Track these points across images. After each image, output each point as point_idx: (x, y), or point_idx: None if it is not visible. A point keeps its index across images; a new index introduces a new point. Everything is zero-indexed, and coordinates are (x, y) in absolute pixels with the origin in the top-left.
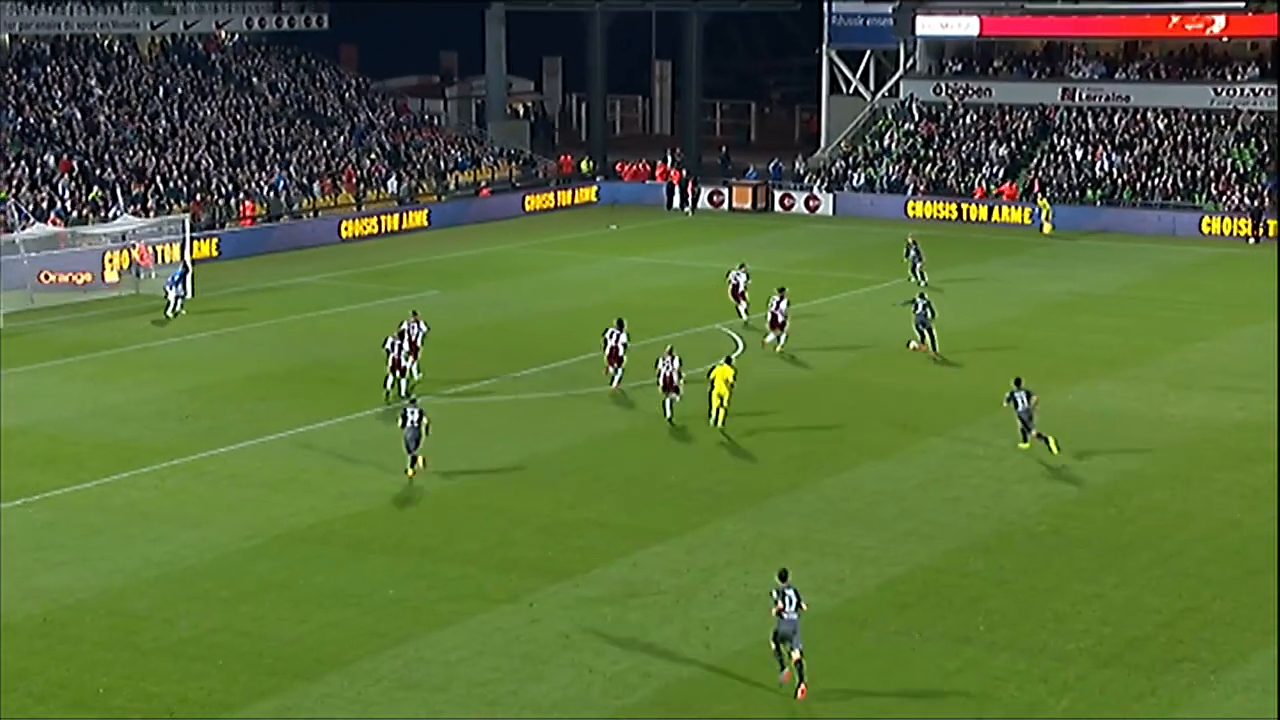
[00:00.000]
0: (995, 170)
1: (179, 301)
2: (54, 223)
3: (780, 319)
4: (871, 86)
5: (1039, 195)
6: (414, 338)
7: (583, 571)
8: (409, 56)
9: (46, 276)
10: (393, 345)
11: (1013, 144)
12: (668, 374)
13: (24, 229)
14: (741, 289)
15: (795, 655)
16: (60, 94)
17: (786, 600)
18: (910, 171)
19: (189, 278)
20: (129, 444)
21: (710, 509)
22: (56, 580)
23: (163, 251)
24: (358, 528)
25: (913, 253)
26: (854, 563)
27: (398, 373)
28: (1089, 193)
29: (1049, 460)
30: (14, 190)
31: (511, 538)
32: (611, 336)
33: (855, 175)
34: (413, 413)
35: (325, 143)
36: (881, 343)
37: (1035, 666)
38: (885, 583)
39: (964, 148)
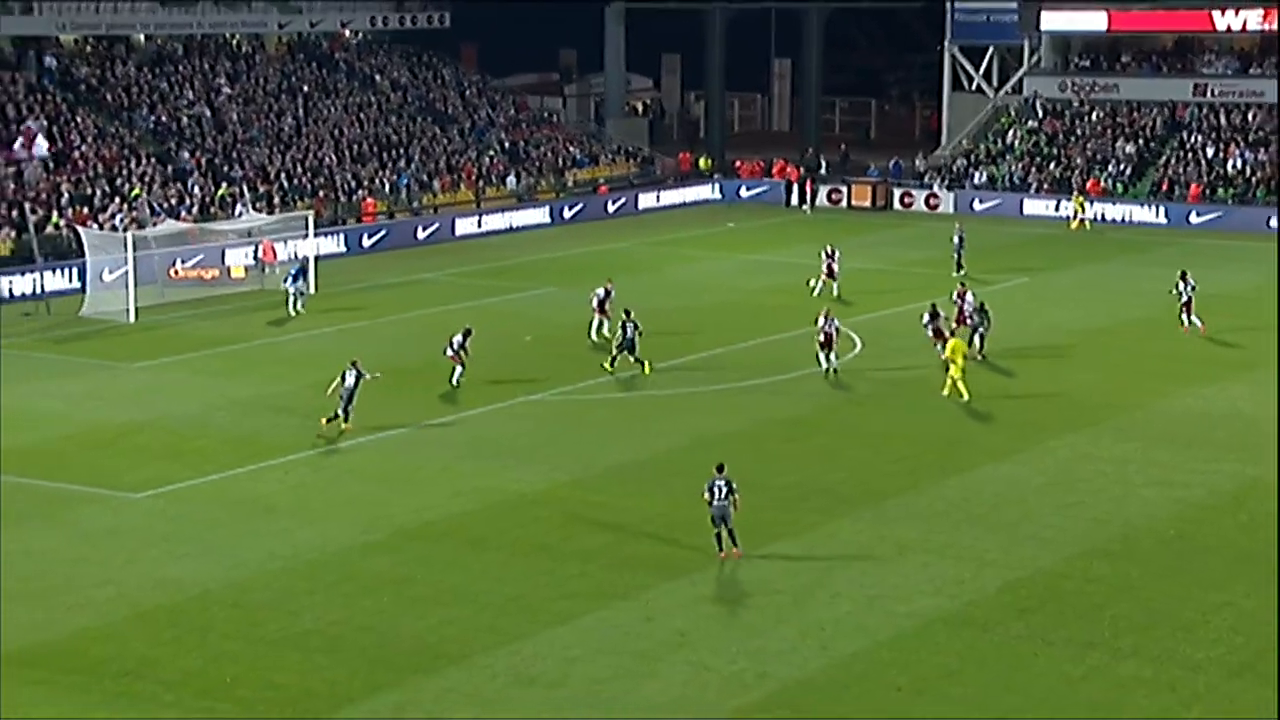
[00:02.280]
0: (1122, 168)
1: (300, 299)
2: (184, 219)
3: (966, 319)
4: (994, 83)
5: (1076, 191)
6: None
7: (699, 570)
8: (528, 54)
9: (176, 271)
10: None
11: (1140, 141)
12: (829, 331)
13: (156, 225)
14: (834, 269)
15: (728, 530)
16: (191, 93)
17: (717, 490)
18: (1033, 169)
19: (309, 274)
20: (253, 438)
21: (827, 510)
22: (184, 571)
23: (288, 248)
24: (473, 524)
25: (957, 239)
26: (975, 565)
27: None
28: (1220, 191)
29: (1175, 467)
30: (147, 187)
31: (627, 536)
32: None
33: (977, 173)
34: (350, 374)
35: (446, 140)
36: (1001, 342)
37: (1163, 675)
38: (1006, 586)
39: (1089, 145)
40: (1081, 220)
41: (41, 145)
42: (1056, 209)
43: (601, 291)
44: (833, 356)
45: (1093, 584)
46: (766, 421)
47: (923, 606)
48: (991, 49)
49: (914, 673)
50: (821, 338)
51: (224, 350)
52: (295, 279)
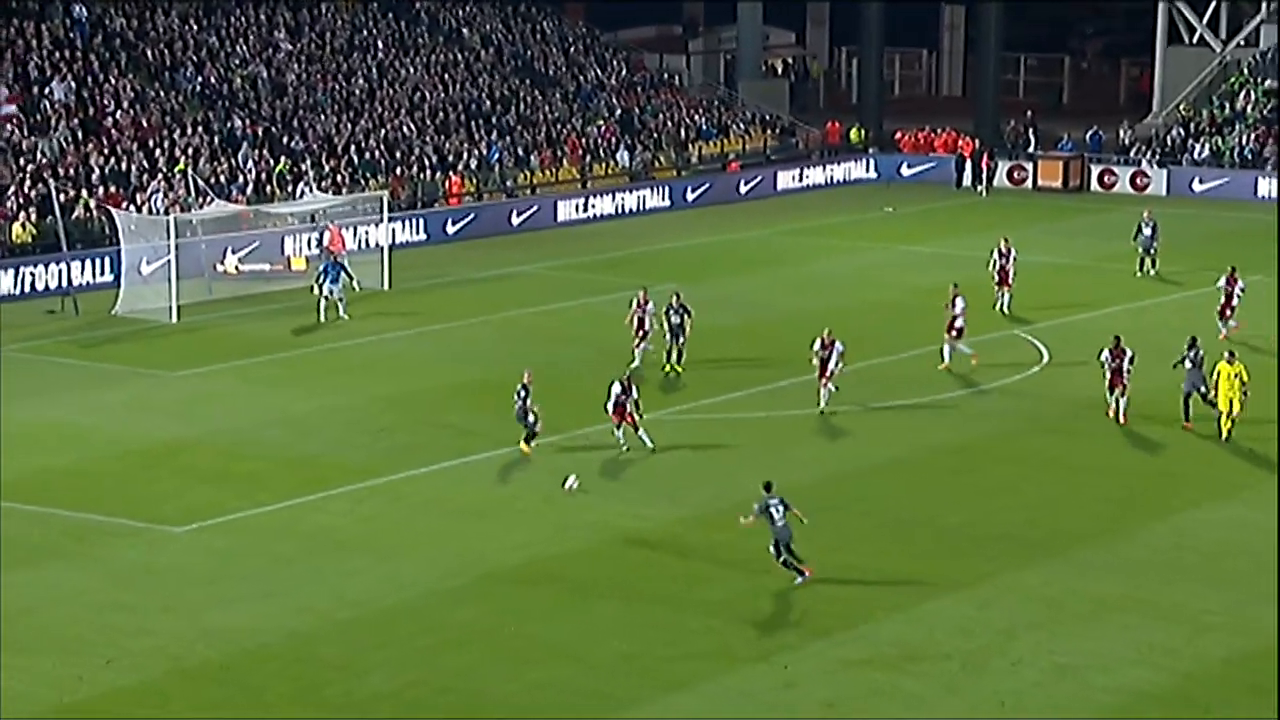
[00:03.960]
0: None
1: (339, 304)
2: (236, 200)
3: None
4: (1222, 34)
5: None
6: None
7: (848, 629)
8: (646, 3)
9: (225, 262)
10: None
11: None
12: (824, 359)
13: (202, 207)
14: (1009, 272)
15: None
16: (245, 49)
17: (774, 512)
18: (1271, 141)
19: (347, 271)
20: (315, 460)
21: (1005, 557)
22: (235, 619)
23: (359, 234)
24: (579, 568)
25: (1145, 232)
26: (1191, 629)
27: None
28: None
29: None
30: (192, 162)
31: (762, 586)
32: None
33: (1197, 146)
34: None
35: (546, 107)
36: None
37: None
38: (1233, 657)
39: None
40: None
41: (10, 109)
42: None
43: (638, 305)
44: (831, 388)
45: None
46: (930, 449)
47: (1127, 680)
48: None
49: None
50: (818, 363)
51: (281, 356)
52: (331, 278)
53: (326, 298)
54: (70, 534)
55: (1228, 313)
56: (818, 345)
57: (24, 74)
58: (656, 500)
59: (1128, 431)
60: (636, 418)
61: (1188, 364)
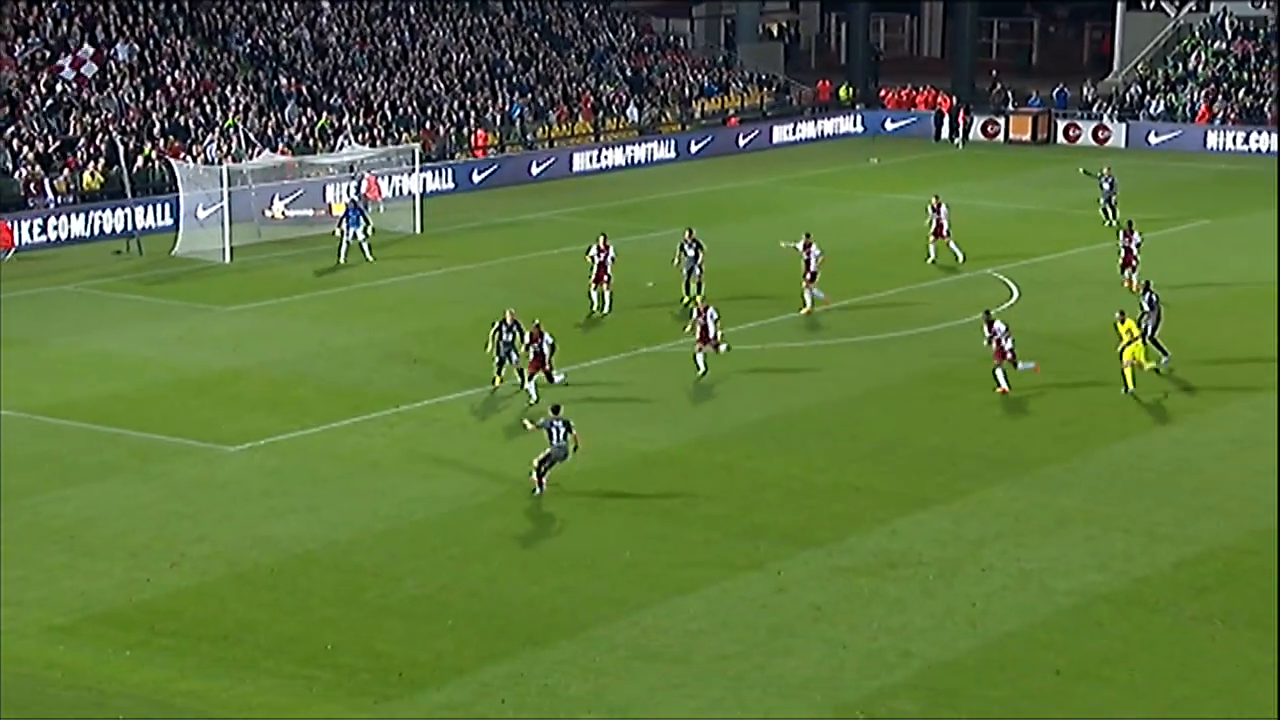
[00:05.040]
0: None
1: (363, 245)
2: (282, 152)
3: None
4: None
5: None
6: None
7: (836, 540)
8: None
9: (273, 207)
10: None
11: None
12: (703, 325)
13: (252, 158)
14: (944, 225)
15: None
16: (290, 14)
17: (554, 430)
18: (1220, 98)
19: (366, 216)
20: (355, 388)
21: (979, 475)
22: (284, 529)
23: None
24: (592, 484)
25: (1105, 187)
26: (1145, 539)
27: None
28: None
29: None
30: (242, 117)
31: (758, 501)
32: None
33: (1153, 103)
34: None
35: (563, 67)
36: (1176, 291)
37: None
38: (1181, 562)
39: None
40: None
41: (92, 67)
42: (1245, 142)
43: (595, 250)
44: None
45: None
46: (910, 377)
47: (1085, 583)
48: None
49: (1074, 656)
50: (698, 331)
51: (324, 294)
52: (351, 220)
53: (350, 241)
54: (135, 452)
55: (1129, 267)
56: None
57: (92, 37)
58: (661, 424)
59: (1090, 362)
60: (549, 367)
61: (1145, 306)
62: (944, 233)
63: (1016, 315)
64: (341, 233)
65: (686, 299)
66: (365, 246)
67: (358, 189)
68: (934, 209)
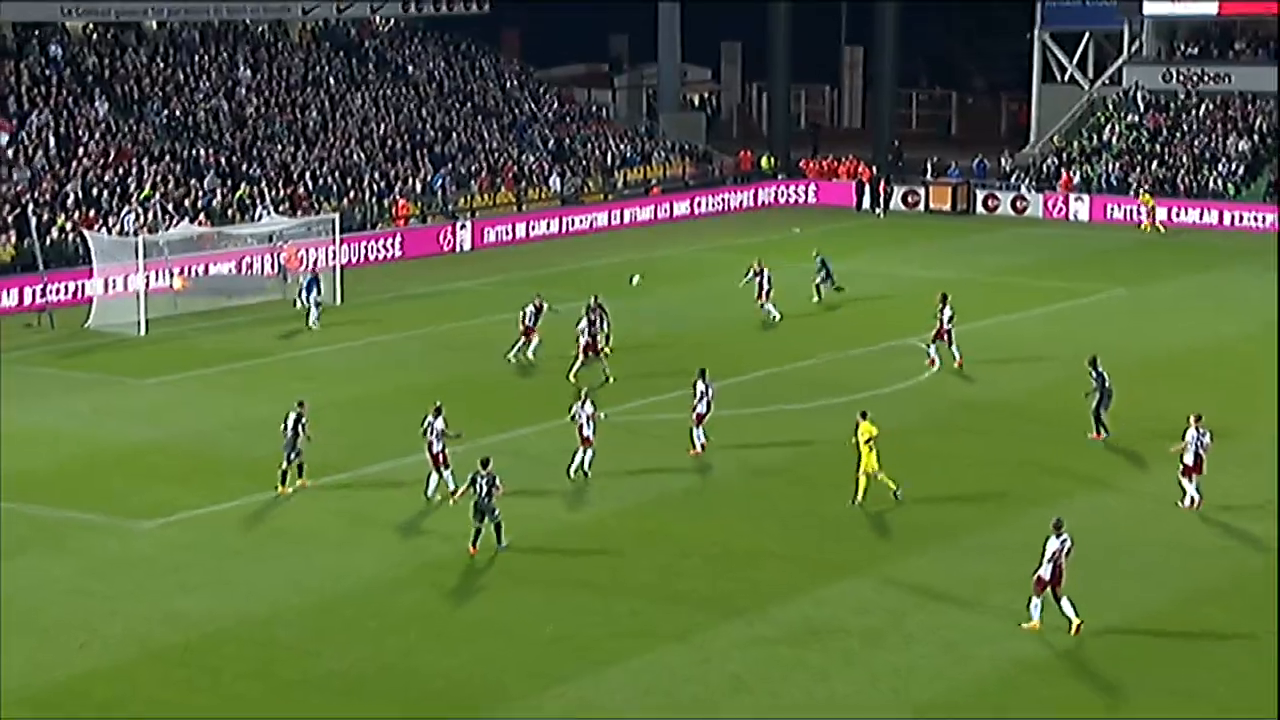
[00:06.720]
0: (1234, 167)
1: (316, 310)
2: (200, 223)
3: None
4: (1090, 73)
5: (1141, 189)
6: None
7: (757, 608)
8: (575, 43)
9: (184, 275)
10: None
11: (1255, 138)
12: (581, 422)
13: (168, 228)
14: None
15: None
16: (208, 84)
17: (481, 484)
18: (1134, 169)
19: (322, 283)
20: (271, 461)
21: (902, 543)
22: (197, 605)
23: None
24: (513, 557)
25: (822, 271)
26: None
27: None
28: None
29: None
30: (159, 187)
31: (681, 569)
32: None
33: (1069, 173)
34: (292, 416)
35: (484, 137)
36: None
37: None
38: (1105, 629)
39: (1197, 142)
40: (1155, 223)
41: (2, 136)
42: (1131, 216)
43: (532, 309)
44: (588, 454)
45: (1200, 629)
46: (823, 445)
47: (1007, 650)
48: (1087, 35)
49: None
50: (578, 432)
51: (241, 365)
52: (311, 289)
53: (316, 305)
54: (47, 529)
55: (942, 338)
56: (751, 274)
57: (4, 107)
58: (583, 495)
59: (1010, 429)
60: (445, 456)
61: (1092, 381)
62: (766, 295)
63: (935, 383)
64: (303, 301)
65: (606, 372)
66: (317, 315)
67: (278, 260)
68: (756, 272)
